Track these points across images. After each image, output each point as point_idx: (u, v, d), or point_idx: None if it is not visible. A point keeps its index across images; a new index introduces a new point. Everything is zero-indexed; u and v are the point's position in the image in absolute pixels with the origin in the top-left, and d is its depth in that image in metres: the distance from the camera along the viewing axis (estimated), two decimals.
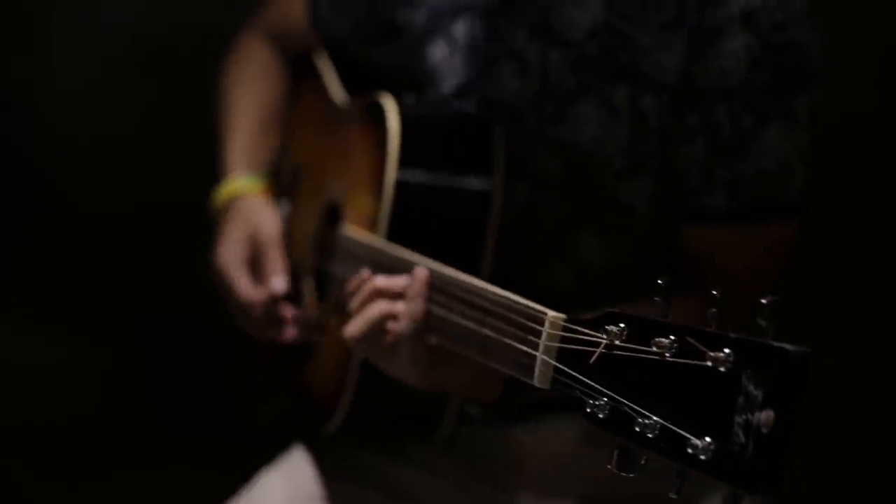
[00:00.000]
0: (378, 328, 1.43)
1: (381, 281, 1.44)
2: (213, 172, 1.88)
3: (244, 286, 1.76)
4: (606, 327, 1.11)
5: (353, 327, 1.44)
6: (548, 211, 1.63)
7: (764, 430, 0.99)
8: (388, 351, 1.43)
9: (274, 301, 1.74)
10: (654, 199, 1.59)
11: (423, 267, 1.41)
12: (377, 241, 1.56)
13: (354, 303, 1.46)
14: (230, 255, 1.78)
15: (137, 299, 2.55)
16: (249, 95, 1.91)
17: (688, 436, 1.03)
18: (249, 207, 1.81)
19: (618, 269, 1.62)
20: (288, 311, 1.74)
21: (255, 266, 1.78)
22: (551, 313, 1.19)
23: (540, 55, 1.60)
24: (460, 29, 1.67)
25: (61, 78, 2.53)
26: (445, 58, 1.67)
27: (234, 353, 1.95)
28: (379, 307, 1.43)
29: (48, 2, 2.50)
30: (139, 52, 2.51)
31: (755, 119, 1.52)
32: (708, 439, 1.01)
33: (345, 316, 1.54)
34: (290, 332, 1.73)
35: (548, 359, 1.18)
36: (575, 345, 1.15)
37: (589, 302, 1.42)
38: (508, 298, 1.27)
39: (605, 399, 1.10)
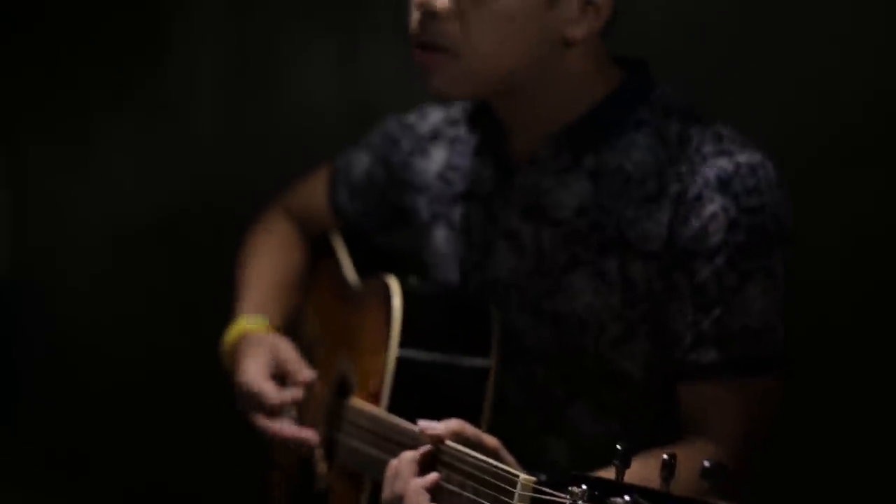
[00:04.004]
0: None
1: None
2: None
3: (272, 390, 1.81)
4: (570, 488, 1.23)
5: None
6: (544, 385, 1.75)
7: None
8: None
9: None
10: (648, 364, 1.70)
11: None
12: (379, 412, 1.69)
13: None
14: (255, 370, 1.83)
15: (146, 471, 2.60)
16: (268, 260, 2.03)
17: None
18: (262, 337, 1.89)
19: (612, 439, 1.72)
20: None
21: (280, 380, 1.84)
22: (523, 476, 1.30)
23: (533, 234, 1.75)
24: (458, 213, 1.82)
25: (74, 257, 2.64)
26: (447, 241, 1.83)
27: None
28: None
29: (60, 177, 2.63)
30: (153, 232, 2.62)
31: (738, 276, 1.64)
32: None
33: (350, 482, 1.66)
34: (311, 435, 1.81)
35: None
36: None
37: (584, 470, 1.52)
38: (486, 462, 1.38)
39: None
